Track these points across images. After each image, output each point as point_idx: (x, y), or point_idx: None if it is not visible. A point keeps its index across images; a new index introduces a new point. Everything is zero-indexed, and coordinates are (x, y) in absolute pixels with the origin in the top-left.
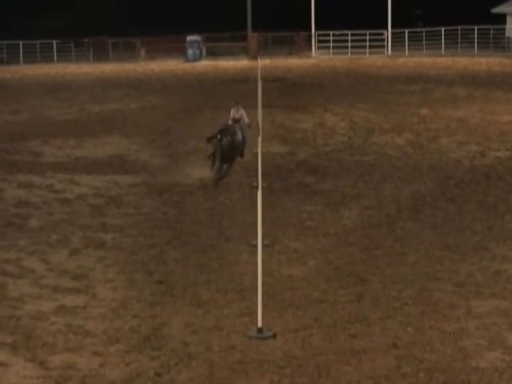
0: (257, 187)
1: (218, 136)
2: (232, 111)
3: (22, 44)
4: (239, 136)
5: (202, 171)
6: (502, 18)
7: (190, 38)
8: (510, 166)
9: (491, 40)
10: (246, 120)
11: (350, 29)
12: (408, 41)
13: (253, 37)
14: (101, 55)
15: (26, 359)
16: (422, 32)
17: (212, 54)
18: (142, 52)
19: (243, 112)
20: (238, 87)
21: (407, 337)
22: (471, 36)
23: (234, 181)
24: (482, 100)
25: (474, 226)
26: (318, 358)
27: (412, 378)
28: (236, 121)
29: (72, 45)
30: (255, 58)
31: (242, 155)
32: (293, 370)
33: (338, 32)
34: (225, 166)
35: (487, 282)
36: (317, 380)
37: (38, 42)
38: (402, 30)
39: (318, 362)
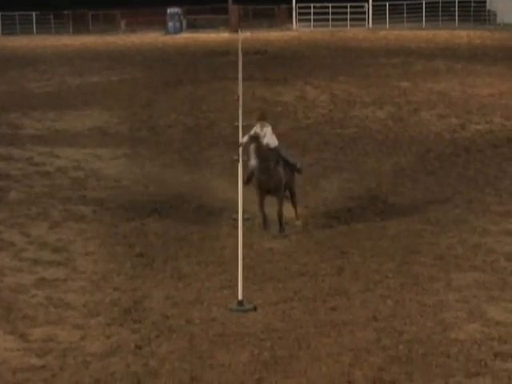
0: (237, 160)
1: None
2: (254, 128)
3: (1, 15)
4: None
5: (182, 144)
6: None
7: (170, 10)
8: (490, 139)
9: (472, 13)
10: (271, 142)
11: (330, 1)
12: (389, 14)
13: (233, 9)
14: (81, 27)
15: (6, 332)
16: (402, 5)
17: (192, 26)
18: (122, 24)
19: (268, 131)
20: (219, 60)
21: (387, 309)
22: (452, 9)
23: (215, 154)
24: (462, 73)
25: (454, 199)
26: (298, 330)
27: (392, 351)
28: (255, 139)
29: (51, 17)
30: (236, 31)
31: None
32: (273, 343)
33: (318, 4)
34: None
35: (467, 254)
36: (297, 352)
37: (17, 13)
38: (383, 3)
39: (298, 335)
